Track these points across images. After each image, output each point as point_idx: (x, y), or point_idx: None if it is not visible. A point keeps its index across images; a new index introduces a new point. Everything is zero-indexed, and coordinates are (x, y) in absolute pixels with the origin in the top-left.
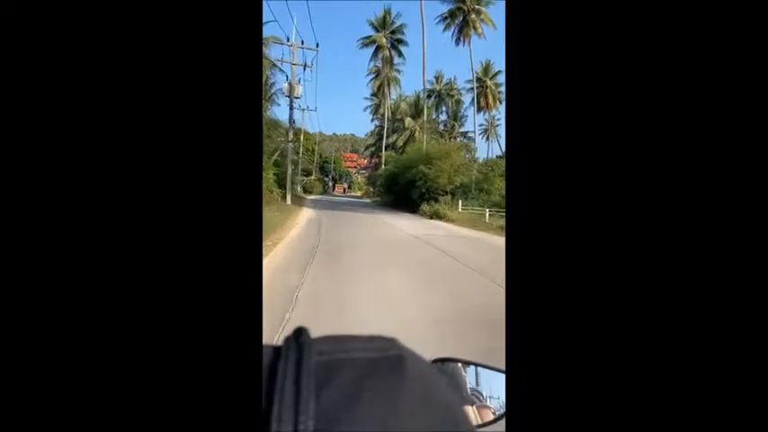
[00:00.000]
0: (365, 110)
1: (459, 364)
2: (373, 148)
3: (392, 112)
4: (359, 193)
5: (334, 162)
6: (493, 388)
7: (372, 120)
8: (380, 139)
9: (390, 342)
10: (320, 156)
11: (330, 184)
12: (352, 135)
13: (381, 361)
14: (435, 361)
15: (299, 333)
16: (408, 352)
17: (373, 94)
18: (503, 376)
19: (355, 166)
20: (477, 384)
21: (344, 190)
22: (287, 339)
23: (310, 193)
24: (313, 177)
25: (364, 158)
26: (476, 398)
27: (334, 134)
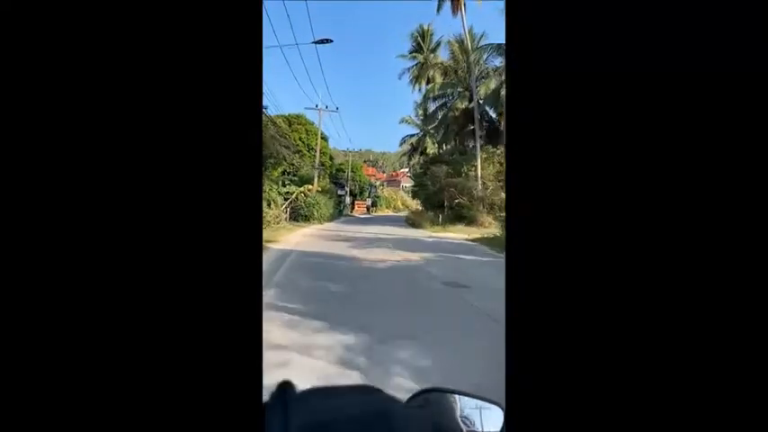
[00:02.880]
0: (400, 77)
1: (448, 394)
2: (414, 139)
3: (465, 53)
4: (390, 212)
5: (352, 170)
6: (483, 419)
7: (414, 89)
8: (432, 116)
9: (377, 394)
10: (329, 157)
11: (347, 200)
12: (369, 150)
13: (369, 418)
14: (422, 392)
15: (284, 389)
16: (396, 406)
17: (414, 51)
18: (492, 407)
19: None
20: (466, 414)
21: (368, 209)
22: (272, 396)
23: (307, 219)
24: (314, 187)
25: (383, 172)
26: (466, 425)
27: (348, 150)
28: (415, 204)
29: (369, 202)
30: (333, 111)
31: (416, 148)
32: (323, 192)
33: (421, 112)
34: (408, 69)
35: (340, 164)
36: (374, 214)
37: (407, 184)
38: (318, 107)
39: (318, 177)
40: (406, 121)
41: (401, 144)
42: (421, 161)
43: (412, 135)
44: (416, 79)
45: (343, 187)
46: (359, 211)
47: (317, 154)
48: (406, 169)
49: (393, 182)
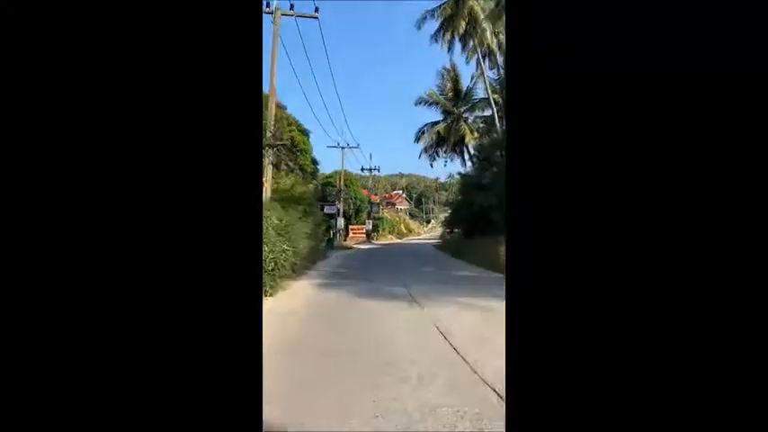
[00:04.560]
0: (421, 25)
1: None
2: (441, 126)
3: None
4: (394, 238)
5: (346, 184)
6: None
7: (443, 45)
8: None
9: None
10: (312, 160)
11: (340, 224)
12: (359, 174)
13: None
14: None
15: None
16: None
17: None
18: None
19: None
20: None
21: (368, 235)
22: None
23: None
24: (267, 185)
25: (376, 194)
26: None
27: (341, 146)
28: (428, 226)
29: (369, 226)
30: (310, 16)
31: (445, 139)
32: (288, 201)
33: (450, 84)
34: (433, 12)
35: (328, 176)
36: (379, 242)
37: (403, 206)
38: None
39: (280, 164)
40: (427, 101)
41: (418, 138)
42: (479, 147)
43: (435, 122)
44: (447, 23)
45: (332, 204)
46: (355, 238)
47: (271, 112)
48: (401, 191)
49: (388, 204)
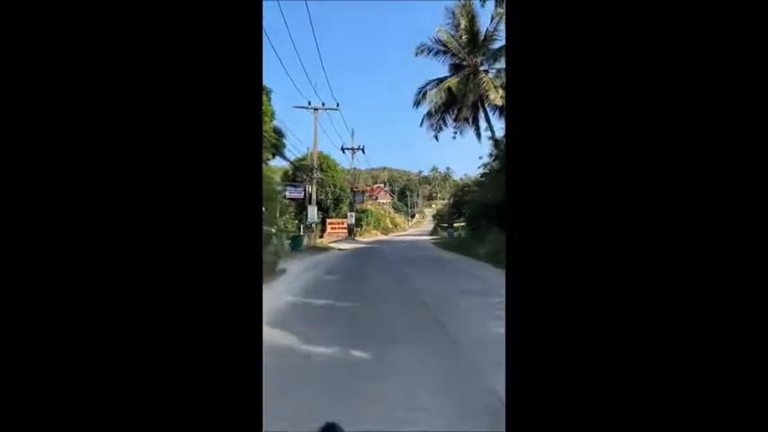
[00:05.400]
0: None
1: None
2: (453, 81)
3: None
4: (380, 234)
5: (322, 167)
6: None
7: None
8: None
9: None
10: (274, 129)
11: (313, 215)
12: (340, 166)
13: None
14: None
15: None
16: None
17: None
18: None
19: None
20: None
21: (351, 230)
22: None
23: None
24: None
25: (357, 185)
26: None
27: (311, 106)
28: (412, 221)
29: (351, 219)
30: None
31: (458, 99)
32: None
33: (465, 24)
34: None
35: (302, 159)
36: (364, 239)
37: (385, 200)
38: None
39: None
40: (431, 49)
41: (417, 101)
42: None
43: (442, 78)
44: None
45: (299, 187)
46: (335, 234)
47: None
48: (383, 185)
49: (370, 197)
